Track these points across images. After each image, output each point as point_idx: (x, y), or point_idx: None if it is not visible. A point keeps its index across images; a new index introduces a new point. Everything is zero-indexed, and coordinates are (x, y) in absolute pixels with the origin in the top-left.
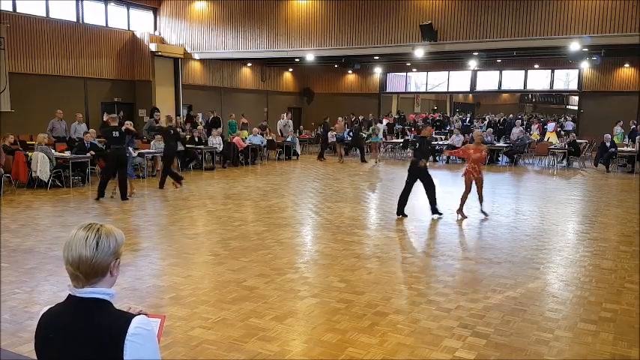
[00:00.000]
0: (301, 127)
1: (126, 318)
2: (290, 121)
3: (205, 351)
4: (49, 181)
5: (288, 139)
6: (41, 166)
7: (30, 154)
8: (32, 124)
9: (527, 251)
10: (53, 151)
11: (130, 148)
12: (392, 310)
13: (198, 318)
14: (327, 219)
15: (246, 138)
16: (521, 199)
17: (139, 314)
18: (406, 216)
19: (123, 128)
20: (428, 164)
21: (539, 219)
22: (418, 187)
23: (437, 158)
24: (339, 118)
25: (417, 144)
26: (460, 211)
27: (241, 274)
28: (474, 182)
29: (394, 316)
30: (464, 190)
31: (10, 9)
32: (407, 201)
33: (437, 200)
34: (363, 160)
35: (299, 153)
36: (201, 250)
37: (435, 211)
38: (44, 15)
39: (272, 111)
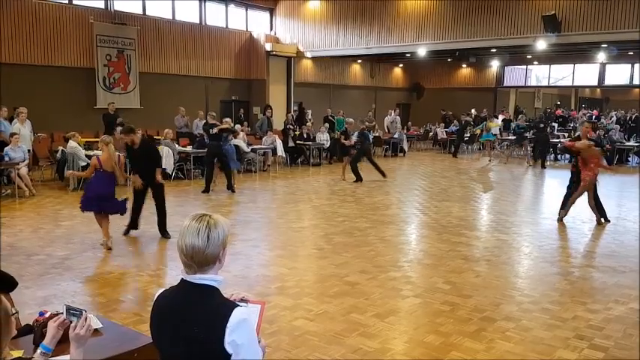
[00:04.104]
0: (409, 123)
1: (228, 307)
2: (398, 117)
3: (307, 342)
4: (172, 172)
5: (395, 136)
6: (166, 158)
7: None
8: (158, 120)
9: None
10: (177, 145)
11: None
12: (501, 316)
13: (302, 309)
14: (434, 218)
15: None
16: None
17: (242, 300)
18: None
19: (216, 128)
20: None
21: None
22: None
23: (558, 157)
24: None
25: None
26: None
27: (344, 269)
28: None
29: (503, 322)
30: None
31: (141, 12)
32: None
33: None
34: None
35: (406, 150)
36: (306, 244)
37: (603, 216)
38: (170, 17)
39: (380, 107)
